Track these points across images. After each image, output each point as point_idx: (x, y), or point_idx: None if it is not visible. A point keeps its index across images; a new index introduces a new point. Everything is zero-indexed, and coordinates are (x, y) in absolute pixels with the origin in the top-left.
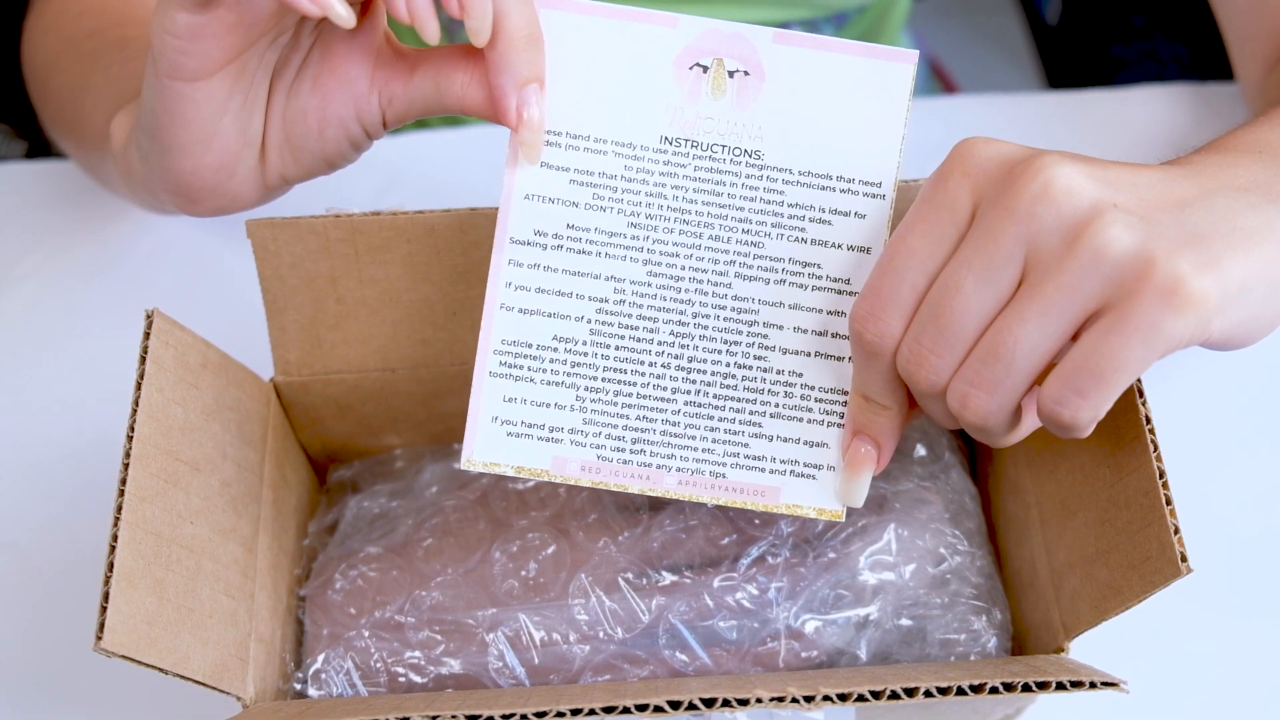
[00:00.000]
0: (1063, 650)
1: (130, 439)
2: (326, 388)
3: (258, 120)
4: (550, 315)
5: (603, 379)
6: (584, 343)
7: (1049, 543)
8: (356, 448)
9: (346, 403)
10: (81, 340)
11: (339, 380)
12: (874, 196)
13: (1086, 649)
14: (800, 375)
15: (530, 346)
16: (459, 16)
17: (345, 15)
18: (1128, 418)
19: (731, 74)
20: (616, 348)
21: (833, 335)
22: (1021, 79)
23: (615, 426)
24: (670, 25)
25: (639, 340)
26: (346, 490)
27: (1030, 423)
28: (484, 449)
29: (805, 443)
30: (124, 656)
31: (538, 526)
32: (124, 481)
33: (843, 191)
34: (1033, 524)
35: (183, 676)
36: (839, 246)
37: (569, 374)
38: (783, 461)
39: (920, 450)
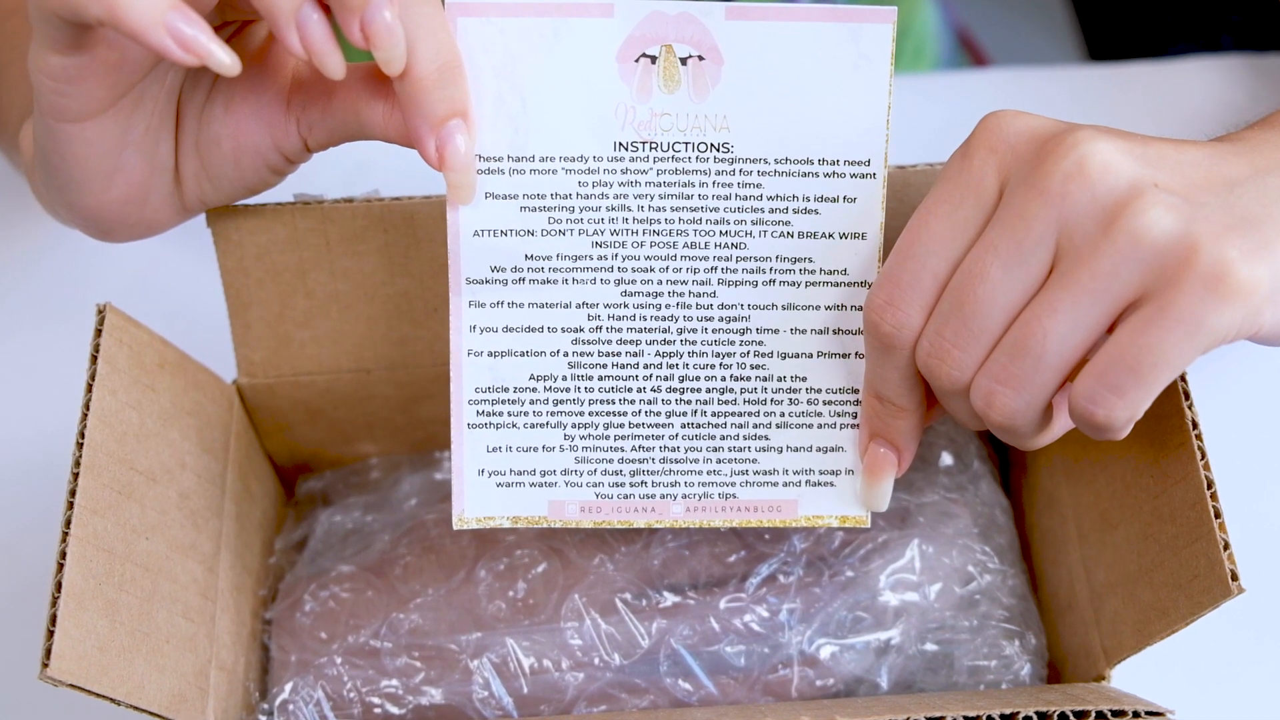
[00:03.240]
0: (1104, 678)
1: (80, 446)
2: (295, 391)
3: (166, 147)
4: (523, 354)
5: (590, 413)
6: (564, 378)
7: (1088, 560)
8: (328, 456)
9: (317, 407)
10: (23, 338)
11: (308, 382)
12: (863, 177)
13: (1129, 676)
14: (804, 379)
15: (507, 390)
16: (363, 47)
17: (229, 63)
18: (1173, 422)
19: (684, 61)
20: (600, 378)
21: (834, 332)
22: (1060, 50)
23: (611, 461)
24: (607, 14)
25: (623, 366)
26: (317, 503)
27: (1062, 423)
28: (474, 504)
29: (818, 449)
30: (72, 685)
31: (527, 542)
32: (73, 493)
33: (827, 176)
34: (1070, 539)
35: (136, 708)
36: (830, 236)
37: (553, 413)
38: (796, 472)
39: (947, 459)
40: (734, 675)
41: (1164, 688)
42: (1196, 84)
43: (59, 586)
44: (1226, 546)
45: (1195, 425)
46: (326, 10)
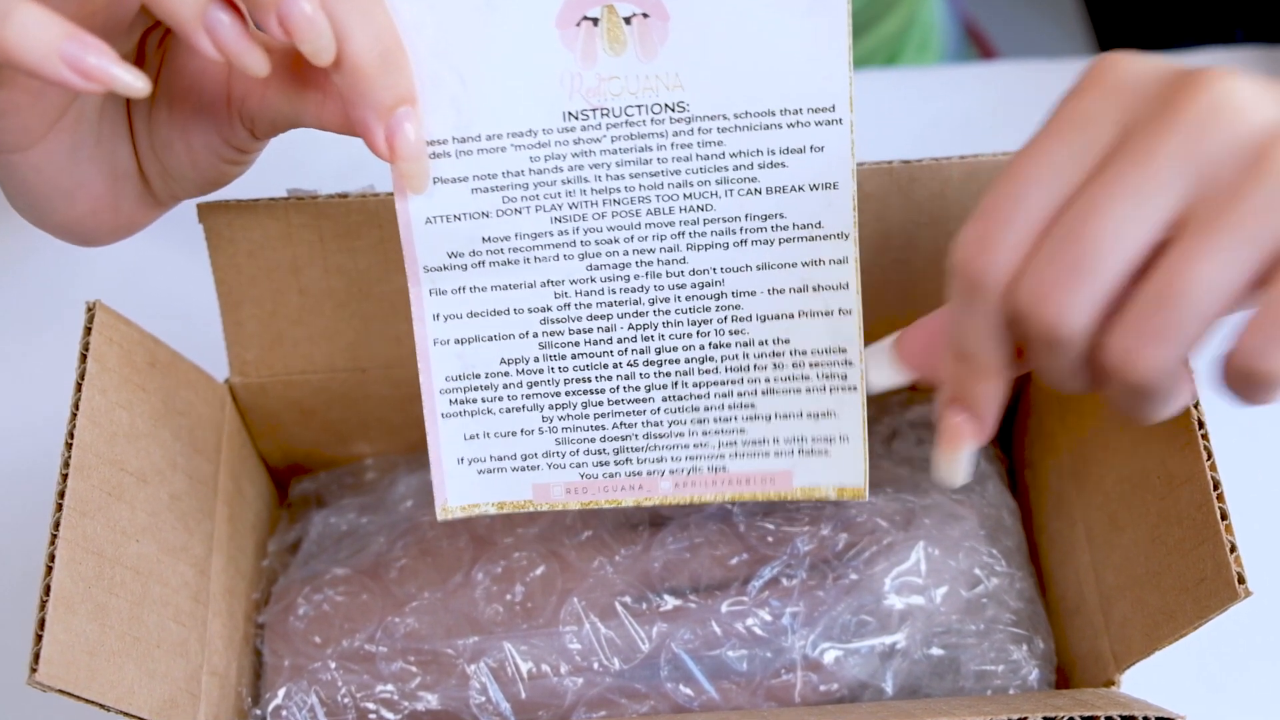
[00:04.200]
0: (1113, 683)
1: (69, 446)
2: (288, 390)
3: (125, 153)
4: (492, 338)
5: (566, 392)
6: (536, 359)
7: (1097, 563)
8: (322, 457)
9: (311, 407)
10: (12, 336)
11: (302, 381)
12: (829, 123)
13: (1140, 681)
14: (787, 341)
15: (479, 377)
16: (284, 43)
17: (138, 85)
18: (1178, 421)
19: (628, 20)
20: (573, 356)
21: (814, 289)
22: (1068, 42)
23: (593, 440)
24: None
25: (596, 342)
26: (311, 505)
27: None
28: (457, 493)
29: (809, 415)
30: (61, 691)
31: (525, 545)
32: (62, 494)
33: (791, 126)
34: (1079, 542)
35: (126, 714)
36: (800, 189)
37: (529, 395)
38: (787, 441)
39: None
40: (736, 680)
41: (1175, 692)
42: None
43: (47, 590)
44: (1234, 549)
45: (1202, 425)
46: (236, 8)
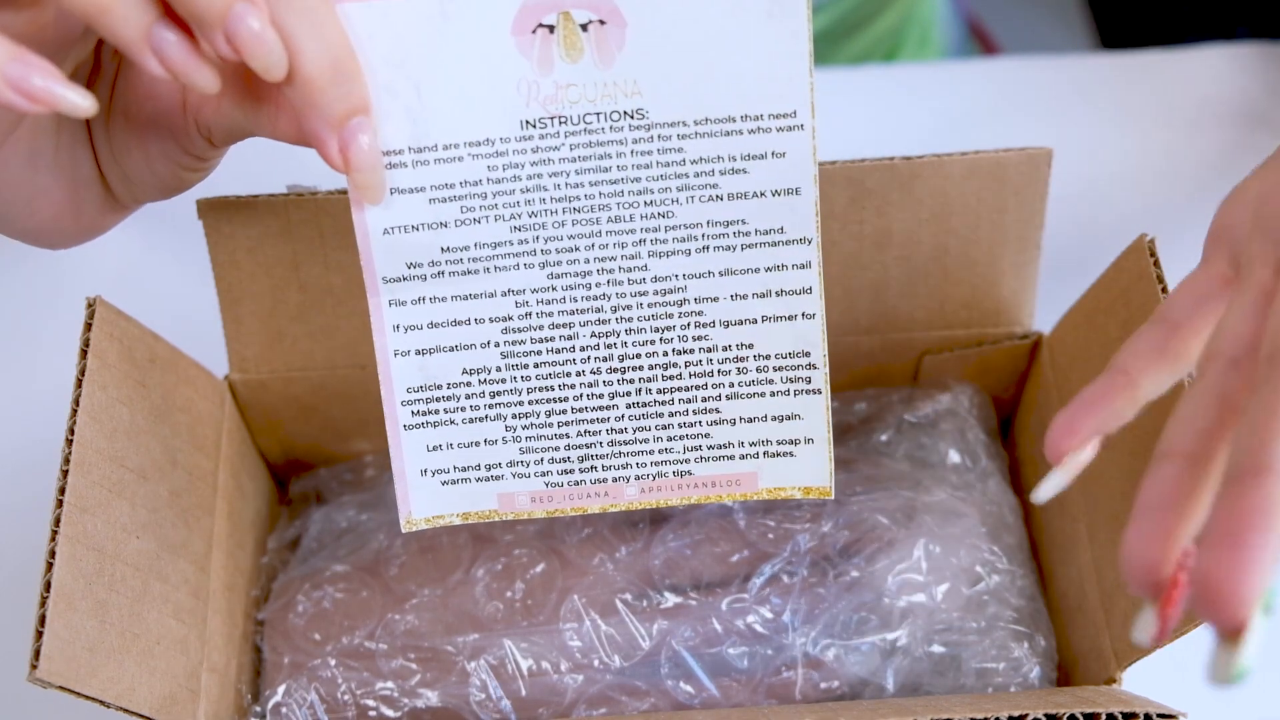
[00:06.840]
0: (1115, 681)
1: (69, 443)
2: (288, 387)
3: (85, 161)
4: (453, 349)
5: (529, 401)
6: (498, 369)
7: (1099, 560)
8: (322, 453)
9: (310, 403)
10: (12, 332)
11: (302, 378)
12: (790, 129)
13: (1142, 680)
14: (750, 346)
15: (440, 387)
16: (234, 59)
17: (85, 105)
18: None
19: (584, 27)
20: (535, 365)
21: (777, 294)
22: (1070, 38)
23: (557, 448)
24: None
25: (558, 351)
26: (310, 501)
27: None
28: (421, 505)
29: (774, 418)
30: (62, 687)
31: (525, 542)
32: (62, 491)
33: (752, 132)
34: (1080, 539)
35: (127, 710)
36: (762, 195)
37: (491, 405)
38: (752, 444)
39: (954, 457)
40: (736, 677)
41: (1176, 690)
42: (1210, 73)
43: (48, 586)
44: None
45: None
46: (185, 25)
